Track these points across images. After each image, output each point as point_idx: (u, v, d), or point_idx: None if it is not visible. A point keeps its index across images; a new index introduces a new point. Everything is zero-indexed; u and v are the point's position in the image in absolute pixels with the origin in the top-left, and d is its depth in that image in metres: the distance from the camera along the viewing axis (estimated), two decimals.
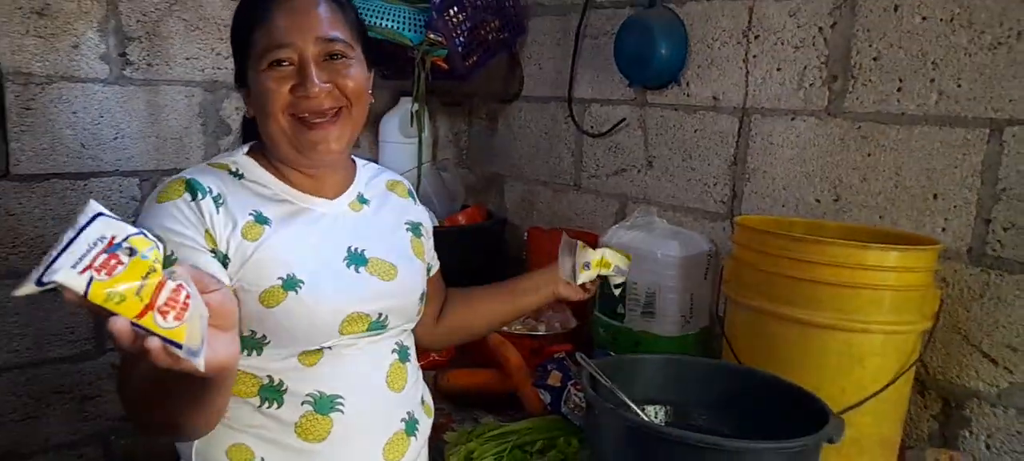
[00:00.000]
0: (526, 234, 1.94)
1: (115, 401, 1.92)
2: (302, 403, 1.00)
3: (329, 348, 1.02)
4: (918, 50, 1.31)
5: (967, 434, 1.29)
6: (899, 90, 1.34)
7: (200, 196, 0.98)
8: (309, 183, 1.10)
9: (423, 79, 1.90)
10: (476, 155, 2.40)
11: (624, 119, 1.86)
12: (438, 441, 1.24)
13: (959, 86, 1.26)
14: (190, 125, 1.96)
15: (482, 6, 1.92)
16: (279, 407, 0.99)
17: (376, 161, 2.27)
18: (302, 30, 1.01)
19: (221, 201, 1.00)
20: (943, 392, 1.32)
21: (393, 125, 2.25)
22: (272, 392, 1.00)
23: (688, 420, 1.16)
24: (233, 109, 2.02)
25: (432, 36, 1.84)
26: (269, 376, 1.00)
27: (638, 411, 1.09)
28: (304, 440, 0.99)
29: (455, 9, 1.86)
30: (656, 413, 1.18)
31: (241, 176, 1.07)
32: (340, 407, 1.00)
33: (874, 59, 1.37)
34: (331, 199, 1.12)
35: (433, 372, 1.51)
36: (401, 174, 1.93)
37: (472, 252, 2.00)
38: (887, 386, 1.15)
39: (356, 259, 1.07)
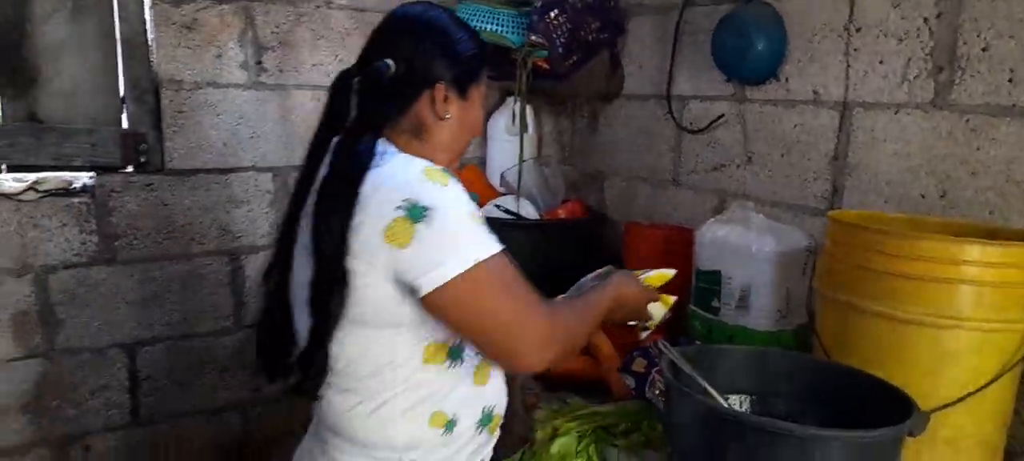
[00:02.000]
0: (624, 229, 1.98)
1: (244, 375, 2.15)
2: (476, 354, 1.12)
3: None
4: None
5: None
6: (1010, 81, 1.29)
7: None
8: None
9: (524, 80, 1.99)
10: (578, 152, 2.46)
11: (723, 115, 1.86)
12: (528, 417, 1.33)
13: None
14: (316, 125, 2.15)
15: (582, 8, 1.97)
16: (461, 364, 1.11)
17: (484, 160, 2.41)
18: None
19: None
20: None
21: (500, 123, 2.35)
22: (456, 352, 1.10)
23: (770, 410, 1.18)
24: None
25: (533, 38, 1.92)
26: (453, 339, 1.11)
27: (717, 396, 1.11)
28: (478, 385, 1.12)
29: (556, 12, 1.93)
30: (740, 402, 1.20)
31: None
32: None
33: (983, 49, 1.32)
34: None
35: None
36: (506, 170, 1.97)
37: (568, 246, 2.06)
38: (985, 386, 1.12)
39: None
